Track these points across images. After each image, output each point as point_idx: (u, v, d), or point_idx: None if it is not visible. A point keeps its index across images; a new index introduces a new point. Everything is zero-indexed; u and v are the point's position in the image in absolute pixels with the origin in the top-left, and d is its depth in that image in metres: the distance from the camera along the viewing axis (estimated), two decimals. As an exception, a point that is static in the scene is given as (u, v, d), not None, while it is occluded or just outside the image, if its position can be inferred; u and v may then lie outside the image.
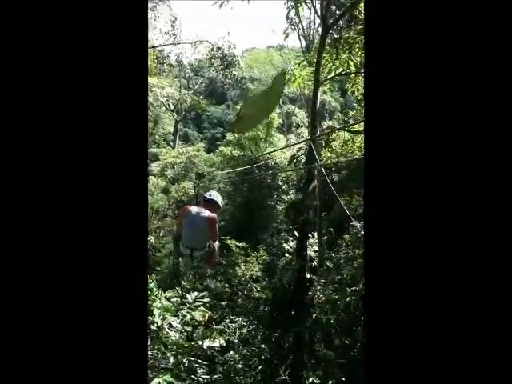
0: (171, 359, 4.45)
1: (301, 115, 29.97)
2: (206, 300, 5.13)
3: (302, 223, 8.63)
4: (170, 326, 4.73)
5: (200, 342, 5.31)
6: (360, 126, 9.11)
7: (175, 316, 4.87)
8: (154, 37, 22.31)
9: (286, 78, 10.02)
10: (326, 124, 19.50)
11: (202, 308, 5.24)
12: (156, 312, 4.58)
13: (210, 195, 4.97)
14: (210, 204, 4.88)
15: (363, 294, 7.18)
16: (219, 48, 20.96)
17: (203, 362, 5.08)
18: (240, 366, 7.67)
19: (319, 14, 9.04)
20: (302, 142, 12.67)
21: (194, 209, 4.80)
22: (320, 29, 10.47)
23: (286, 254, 11.93)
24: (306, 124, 25.10)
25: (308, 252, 8.47)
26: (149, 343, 4.18)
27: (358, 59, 8.81)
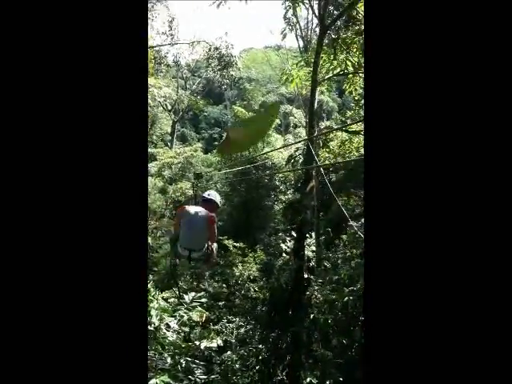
0: (168, 360, 4.45)
1: (298, 115, 30.02)
2: (203, 300, 5.11)
3: (299, 223, 8.63)
4: (168, 326, 4.73)
5: (197, 343, 5.31)
6: (358, 127, 9.12)
7: (172, 316, 4.87)
8: (152, 37, 22.30)
9: (284, 78, 10.03)
10: (323, 124, 19.52)
11: (200, 308, 5.24)
12: (153, 312, 4.58)
13: (208, 195, 4.91)
14: (209, 204, 4.81)
15: (361, 294, 7.19)
16: (217, 48, 20.97)
17: (200, 362, 5.08)
18: (237, 366, 7.67)
19: (317, 14, 9.04)
20: (299, 141, 12.68)
21: (192, 208, 4.70)
22: (318, 29, 10.48)
23: (284, 254, 11.94)
24: (304, 124, 25.12)
25: (306, 252, 8.47)
26: (146, 344, 4.16)
27: (356, 59, 8.82)
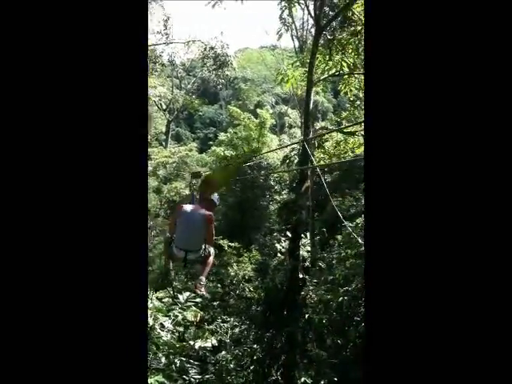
0: (163, 359, 4.43)
1: (293, 116, 30.04)
2: (197, 300, 5.06)
3: (294, 223, 8.64)
4: (162, 326, 4.71)
5: (192, 342, 5.29)
6: (353, 128, 9.15)
7: (167, 316, 4.85)
8: (147, 36, 22.14)
9: (279, 78, 10.04)
10: (318, 125, 19.57)
11: (194, 308, 5.22)
12: (147, 312, 4.55)
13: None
14: (206, 202, 4.64)
15: (355, 294, 7.21)
16: (212, 48, 20.90)
17: (195, 362, 5.07)
18: (232, 365, 7.66)
19: (312, 14, 9.05)
20: (295, 143, 12.69)
21: (189, 207, 4.51)
22: (313, 29, 10.49)
23: (279, 254, 11.94)
24: (299, 124, 25.15)
25: (300, 252, 8.49)
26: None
27: (351, 60, 8.84)
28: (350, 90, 9.55)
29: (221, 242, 13.15)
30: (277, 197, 18.63)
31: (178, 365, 4.56)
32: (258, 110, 22.07)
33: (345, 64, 8.77)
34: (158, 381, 3.91)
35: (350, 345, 7.16)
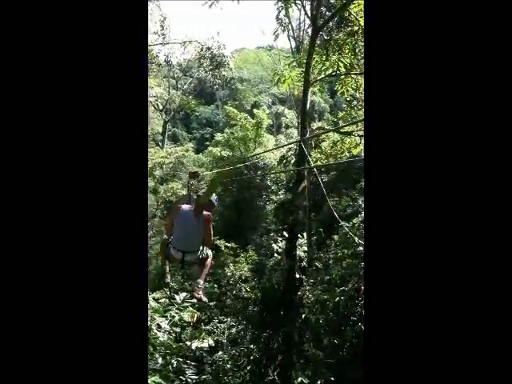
0: (160, 360, 4.43)
1: (290, 116, 30.08)
2: (194, 301, 5.03)
3: (291, 223, 8.64)
4: (159, 326, 4.70)
5: (188, 343, 5.29)
6: (350, 128, 9.16)
7: (163, 317, 4.84)
8: (143, 36, 22.05)
9: (276, 78, 10.04)
10: (315, 125, 19.58)
11: (191, 309, 5.21)
12: (147, 312, 4.53)
13: (204, 193, 4.53)
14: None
15: (352, 294, 7.22)
16: (208, 48, 20.89)
17: (192, 362, 5.07)
18: (229, 366, 7.65)
19: (309, 15, 9.06)
20: (292, 142, 12.70)
21: (187, 207, 4.41)
22: (310, 30, 10.51)
23: (275, 255, 11.94)
24: (296, 125, 25.17)
25: (297, 252, 8.48)
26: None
27: (348, 60, 8.85)
28: (347, 91, 9.55)
29: (217, 242, 13.15)
30: (273, 197, 18.64)
31: (174, 365, 4.56)
32: (255, 111, 22.09)
33: (341, 64, 8.78)
34: (154, 381, 3.90)
35: (346, 345, 7.17)
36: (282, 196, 18.00)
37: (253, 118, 20.76)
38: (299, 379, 6.93)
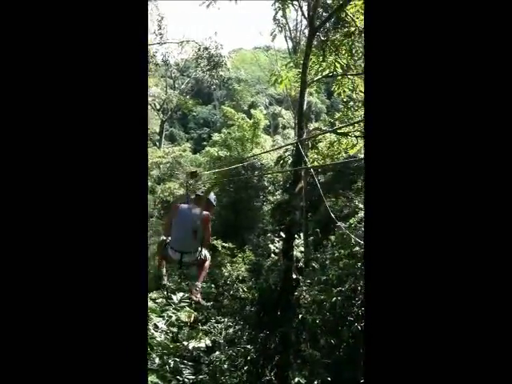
0: (156, 360, 4.42)
1: (287, 116, 30.10)
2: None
3: (288, 224, 8.65)
4: (155, 326, 4.69)
5: (185, 343, 5.28)
6: (347, 128, 9.18)
7: (160, 317, 4.83)
8: (141, 36, 21.98)
9: (273, 79, 10.05)
10: (312, 125, 19.61)
11: (188, 309, 5.20)
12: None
13: (202, 192, 4.58)
14: (203, 202, 4.46)
15: (349, 295, 7.24)
16: (206, 48, 20.87)
17: (189, 362, 5.06)
18: (226, 366, 7.65)
19: (306, 15, 9.08)
20: (290, 144, 12.71)
21: (185, 207, 4.34)
22: (307, 30, 10.52)
23: (272, 255, 11.95)
24: (293, 125, 25.18)
25: (294, 252, 8.49)
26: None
27: (345, 61, 8.87)
28: (344, 91, 9.57)
29: (215, 242, 13.15)
30: (270, 197, 18.66)
31: (171, 365, 4.56)
32: (252, 111, 22.10)
33: (338, 65, 8.80)
34: (151, 381, 3.90)
35: (343, 345, 7.19)
36: (278, 196, 18.02)
37: (250, 119, 20.76)
38: (296, 379, 6.93)
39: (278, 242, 11.88)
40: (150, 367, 4.29)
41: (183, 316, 5.07)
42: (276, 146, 20.23)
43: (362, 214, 9.32)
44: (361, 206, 10.57)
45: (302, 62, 8.57)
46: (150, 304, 4.98)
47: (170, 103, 27.78)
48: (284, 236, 9.30)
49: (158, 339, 4.59)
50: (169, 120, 33.63)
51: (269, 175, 18.28)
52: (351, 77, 9.27)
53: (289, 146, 11.16)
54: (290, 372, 7.21)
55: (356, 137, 9.67)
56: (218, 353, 7.99)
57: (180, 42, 23.93)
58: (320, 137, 12.50)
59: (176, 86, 30.99)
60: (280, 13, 9.59)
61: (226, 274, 12.14)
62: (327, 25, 9.67)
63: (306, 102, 8.96)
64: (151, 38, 22.42)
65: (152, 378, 3.96)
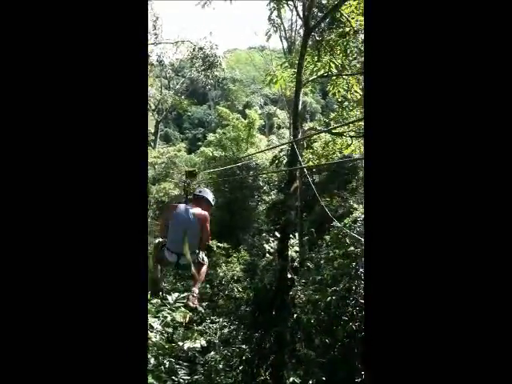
0: (152, 360, 4.42)
1: (282, 116, 30.14)
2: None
3: (283, 224, 8.66)
4: (151, 327, 4.68)
5: (181, 343, 5.27)
6: (341, 128, 9.21)
7: (156, 317, 4.82)
8: (135, 36, 21.93)
9: (268, 79, 10.06)
10: (307, 125, 19.64)
11: (183, 309, 5.19)
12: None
13: (200, 192, 4.40)
14: (201, 202, 4.30)
15: (343, 295, 7.26)
16: (201, 48, 20.84)
17: (184, 362, 5.06)
18: (221, 366, 7.66)
19: (301, 15, 9.09)
20: (285, 143, 12.73)
21: (183, 207, 4.15)
22: (302, 31, 10.53)
23: (267, 255, 11.97)
24: (288, 125, 25.24)
25: (289, 252, 8.50)
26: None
27: (340, 61, 8.89)
28: (338, 91, 9.59)
29: (210, 242, 13.14)
30: (265, 197, 18.67)
31: (166, 366, 4.55)
32: (247, 111, 22.12)
33: (333, 65, 8.82)
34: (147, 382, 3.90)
35: (337, 344, 7.21)
36: (273, 196, 18.04)
37: (245, 119, 20.77)
38: (291, 379, 6.95)
39: (273, 241, 11.91)
40: (145, 367, 4.28)
41: (178, 316, 5.06)
42: (271, 146, 20.25)
43: (356, 213, 9.36)
44: (355, 205, 10.62)
45: (296, 61, 8.59)
46: (145, 304, 4.97)
47: (164, 103, 27.72)
48: (279, 236, 9.32)
49: (154, 339, 4.58)
50: (164, 120, 33.56)
51: (264, 175, 18.29)
52: (346, 77, 9.29)
53: (284, 146, 11.17)
54: (285, 371, 7.22)
55: (351, 137, 9.70)
56: (213, 353, 7.99)
57: (175, 42, 23.89)
58: (315, 137, 12.53)
59: (171, 86, 30.93)
60: (275, 13, 9.60)
61: (221, 273, 12.14)
62: (322, 25, 9.69)
63: (300, 102, 8.98)
64: (146, 37, 22.34)
65: (147, 378, 3.95)
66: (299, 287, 8.66)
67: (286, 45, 19.50)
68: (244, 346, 8.32)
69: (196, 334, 5.49)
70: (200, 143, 33.98)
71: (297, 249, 11.94)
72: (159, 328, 4.78)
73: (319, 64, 8.93)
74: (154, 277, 4.62)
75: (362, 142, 9.92)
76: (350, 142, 9.94)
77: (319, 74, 9.19)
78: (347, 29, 8.42)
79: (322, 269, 8.84)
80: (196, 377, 6.64)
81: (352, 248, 7.66)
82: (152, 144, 28.02)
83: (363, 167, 16.65)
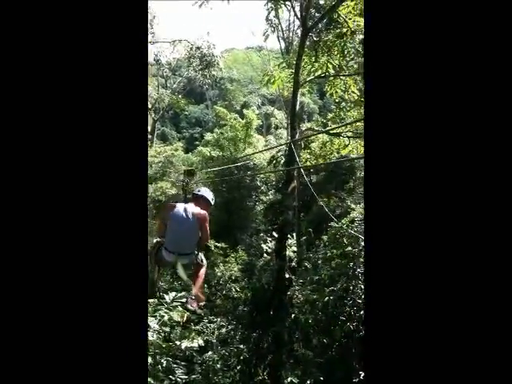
0: (149, 360, 4.42)
1: (280, 117, 30.17)
2: (184, 300, 5.00)
3: (280, 224, 8.67)
4: (148, 326, 4.68)
5: (178, 343, 5.26)
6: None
7: (153, 316, 4.82)
8: (133, 35, 21.89)
9: (266, 79, 10.07)
10: (304, 126, 19.66)
11: (180, 308, 5.19)
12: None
13: (199, 191, 4.35)
14: (200, 201, 4.26)
15: (341, 295, 7.27)
16: (198, 48, 20.82)
17: (181, 362, 5.05)
18: (219, 366, 7.65)
19: (299, 16, 9.10)
20: (284, 144, 12.75)
21: (181, 206, 4.08)
22: (299, 31, 10.54)
23: (265, 255, 11.98)
24: (285, 125, 25.25)
25: (287, 252, 8.51)
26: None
27: (337, 62, 8.91)
28: (336, 92, 9.60)
29: (209, 242, 13.13)
30: (263, 197, 18.68)
31: (164, 365, 4.55)
32: (245, 111, 22.12)
33: (330, 66, 8.83)
34: (144, 381, 3.90)
35: (335, 344, 7.22)
36: (271, 196, 18.06)
37: (242, 119, 20.77)
38: (289, 379, 6.96)
39: (271, 241, 11.92)
40: (143, 367, 4.28)
41: (176, 316, 5.05)
42: (269, 146, 20.26)
43: (354, 214, 9.38)
44: (353, 206, 10.64)
45: (294, 62, 8.60)
46: (143, 304, 4.96)
47: (161, 102, 27.66)
48: (277, 236, 9.33)
49: (151, 339, 4.58)
50: (160, 119, 33.49)
51: (261, 175, 18.30)
52: (343, 77, 9.31)
53: (282, 146, 11.19)
54: (283, 371, 7.23)
55: (348, 137, 9.73)
56: (210, 352, 7.99)
57: (172, 42, 23.85)
58: (312, 137, 12.55)
59: (168, 85, 30.87)
60: (272, 13, 9.60)
61: (218, 273, 12.14)
62: (320, 25, 9.70)
63: (298, 103, 8.99)
64: (143, 37, 22.28)
65: (147, 378, 3.95)
66: (297, 287, 8.67)
67: (283, 45, 19.50)
68: (242, 346, 8.32)
69: (193, 334, 5.49)
70: (197, 143, 34.00)
71: (294, 249, 11.96)
72: (156, 327, 4.77)
73: (317, 64, 8.94)
74: (152, 277, 4.56)
75: (360, 142, 9.96)
76: (347, 143, 9.96)
77: (317, 74, 9.19)
78: (344, 29, 8.43)
79: (320, 269, 8.85)
80: (193, 376, 6.63)
81: (350, 248, 7.67)
82: (149, 143, 27.98)
83: (361, 167, 16.72)
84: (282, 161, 10.62)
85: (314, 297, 7.74)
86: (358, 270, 7.31)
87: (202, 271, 4.26)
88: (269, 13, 9.44)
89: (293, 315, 8.03)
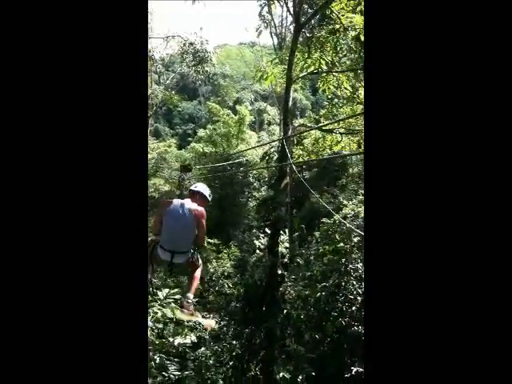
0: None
1: (272, 113, 30.16)
2: (177, 297, 5.00)
3: (273, 220, 8.70)
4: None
5: (171, 339, 5.28)
6: (332, 125, 9.25)
7: (146, 313, 4.82)
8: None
9: (259, 75, 10.06)
10: (297, 122, 19.67)
11: (173, 305, 5.20)
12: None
13: (195, 187, 4.22)
14: (197, 197, 4.13)
15: (333, 290, 7.32)
16: (191, 43, 20.70)
17: (174, 358, 5.08)
18: (211, 362, 7.69)
19: (292, 12, 9.10)
20: (276, 140, 12.75)
21: (177, 203, 3.92)
22: (292, 27, 10.54)
23: (258, 251, 12.00)
24: (278, 121, 25.23)
25: (279, 248, 8.54)
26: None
27: (330, 58, 8.91)
28: (328, 88, 9.61)
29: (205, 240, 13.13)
30: (256, 193, 18.70)
31: (157, 361, 4.57)
32: (237, 107, 22.10)
33: (323, 62, 8.83)
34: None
35: (327, 340, 7.28)
36: (264, 192, 18.08)
37: (235, 115, 20.75)
38: (281, 374, 7.01)
39: (264, 237, 11.93)
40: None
41: (169, 312, 5.06)
42: (261, 142, 20.26)
43: (346, 210, 9.41)
44: (345, 202, 10.67)
45: (287, 58, 8.60)
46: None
47: (154, 98, 27.50)
48: (269, 232, 9.36)
49: (144, 335, 4.58)
50: (154, 115, 33.31)
51: (254, 171, 18.31)
52: (336, 74, 9.32)
53: (274, 143, 11.20)
54: (275, 367, 7.27)
55: (340, 133, 9.75)
56: (203, 348, 8.02)
57: (165, 37, 23.71)
58: (305, 133, 12.56)
59: (161, 81, 30.71)
60: (265, 9, 9.60)
61: (211, 269, 12.16)
62: (312, 21, 9.70)
63: (291, 99, 9.00)
64: (136, 32, 22.13)
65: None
66: (289, 283, 8.71)
67: (276, 41, 19.48)
68: (234, 342, 8.36)
69: (186, 330, 5.51)
70: (190, 139, 33.87)
71: (287, 245, 11.96)
72: (150, 324, 4.78)
73: (309, 61, 8.94)
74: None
75: (352, 138, 9.99)
76: (339, 139, 9.99)
77: (309, 70, 9.19)
78: (337, 26, 8.43)
79: (312, 265, 8.91)
80: (186, 372, 6.65)
81: (342, 244, 7.72)
82: (142, 140, 27.79)
83: (353, 164, 16.77)
84: (275, 157, 10.63)
85: (306, 292, 7.79)
86: (350, 266, 7.36)
87: (198, 272, 4.12)
88: (262, 9, 9.46)
89: (285, 311, 8.07)
